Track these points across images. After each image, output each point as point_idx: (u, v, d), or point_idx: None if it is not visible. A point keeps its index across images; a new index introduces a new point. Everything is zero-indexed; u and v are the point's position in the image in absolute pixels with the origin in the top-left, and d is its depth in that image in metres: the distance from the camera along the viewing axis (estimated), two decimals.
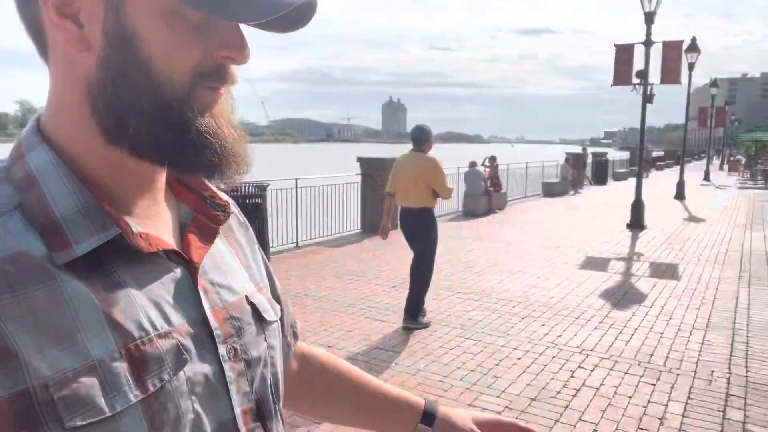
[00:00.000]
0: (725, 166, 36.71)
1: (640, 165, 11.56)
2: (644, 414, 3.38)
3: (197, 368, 0.56)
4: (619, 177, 24.18)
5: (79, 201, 0.53)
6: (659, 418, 3.32)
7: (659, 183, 21.97)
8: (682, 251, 8.55)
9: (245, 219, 0.77)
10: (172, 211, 0.64)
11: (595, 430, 3.19)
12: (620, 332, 4.86)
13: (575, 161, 19.06)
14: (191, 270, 0.60)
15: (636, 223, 10.85)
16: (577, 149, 22.64)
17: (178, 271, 0.59)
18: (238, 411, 0.59)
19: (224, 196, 0.70)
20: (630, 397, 3.60)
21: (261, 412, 0.63)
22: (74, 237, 0.52)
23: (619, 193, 17.42)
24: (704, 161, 29.37)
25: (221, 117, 0.57)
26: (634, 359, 4.25)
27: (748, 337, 4.78)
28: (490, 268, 7.29)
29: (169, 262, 0.58)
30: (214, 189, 0.68)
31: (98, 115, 0.53)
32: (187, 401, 0.54)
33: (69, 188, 0.53)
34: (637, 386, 3.77)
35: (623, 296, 6.01)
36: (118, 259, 0.54)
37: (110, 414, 0.48)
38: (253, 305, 0.66)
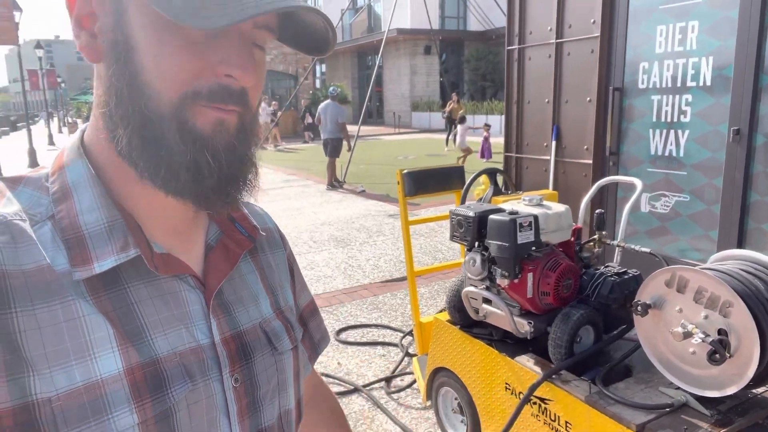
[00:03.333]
0: (65, 128, 37.09)
1: None
2: None
3: (200, 395, 0.56)
4: None
5: (106, 218, 0.54)
6: None
7: (4, 153, 20.03)
8: None
9: (282, 235, 0.77)
10: (202, 229, 0.64)
11: None
12: None
13: None
14: (207, 294, 0.60)
15: None
16: None
17: (193, 295, 0.59)
18: None
19: (254, 220, 0.69)
20: None
21: None
22: (96, 254, 0.53)
23: None
24: (41, 125, 28.64)
25: (223, 141, 0.53)
26: None
27: None
28: None
29: (186, 285, 0.59)
30: (245, 211, 0.69)
31: (104, 127, 0.54)
32: (187, 427, 0.54)
33: (99, 204, 0.54)
34: None
35: None
36: (136, 277, 0.55)
37: None
38: (267, 333, 0.65)
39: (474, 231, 2.14)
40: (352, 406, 3.08)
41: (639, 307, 1.84)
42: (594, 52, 4.12)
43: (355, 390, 3.23)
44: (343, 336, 3.99)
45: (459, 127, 12.56)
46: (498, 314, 2.25)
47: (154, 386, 0.52)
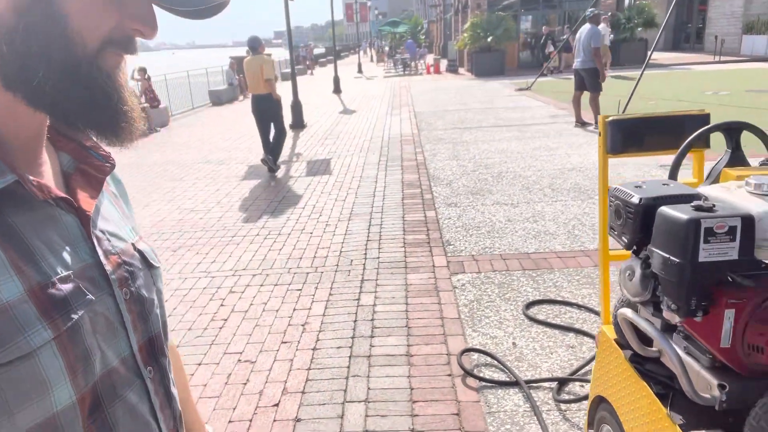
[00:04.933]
0: (375, 57, 41.13)
1: (292, 65, 11.72)
2: (288, 325, 3.39)
3: (98, 309, 0.60)
4: (285, 77, 24.66)
5: None
6: (302, 325, 3.38)
7: (322, 79, 23.23)
8: (336, 144, 9.13)
9: (116, 172, 0.78)
10: (54, 160, 0.65)
11: (239, 360, 3.06)
12: (274, 242, 4.85)
13: (240, 65, 18.55)
14: (82, 218, 0.62)
15: (297, 123, 11.17)
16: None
17: (69, 219, 0.61)
18: (135, 347, 0.65)
19: (106, 147, 0.70)
20: (277, 311, 3.58)
21: (154, 348, 0.69)
22: None
23: (282, 92, 17.75)
24: (360, 54, 32.25)
25: (122, 82, 0.60)
26: (284, 267, 4.28)
27: (382, 218, 5.30)
28: (145, 198, 6.53)
29: (61, 210, 0.60)
30: (94, 139, 0.68)
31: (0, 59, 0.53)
32: (92, 338, 0.58)
33: None
34: (284, 296, 3.79)
35: (280, 202, 6.06)
36: (12, 206, 0.56)
37: (29, 351, 0.52)
38: (140, 252, 0.70)
39: (635, 227, 1.36)
40: (504, 404, 2.56)
41: None
42: None
43: (516, 384, 2.68)
44: (534, 311, 3.38)
45: None
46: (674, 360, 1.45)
47: (59, 304, 0.55)
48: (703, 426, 1.43)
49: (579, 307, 3.39)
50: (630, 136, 2.30)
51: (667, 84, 13.82)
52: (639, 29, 20.19)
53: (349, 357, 3.00)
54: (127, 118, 0.60)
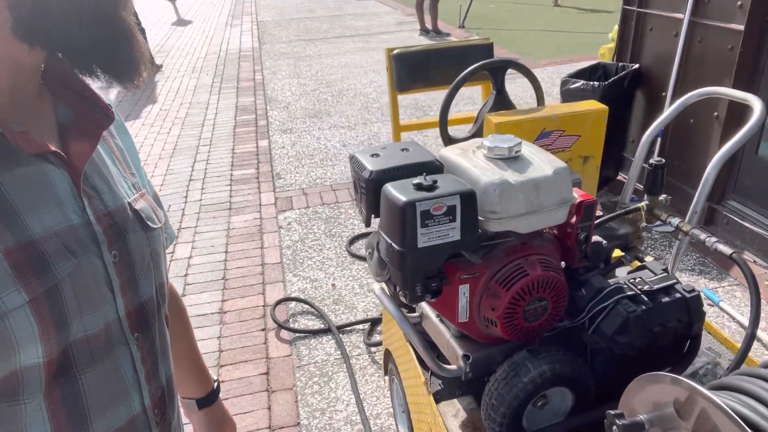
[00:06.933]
0: None
1: None
2: None
3: (83, 271, 0.57)
4: None
5: None
6: None
7: None
8: (165, 64, 8.20)
9: (124, 123, 0.75)
10: (49, 110, 0.62)
11: None
12: None
13: None
14: (73, 174, 0.59)
15: None
16: None
17: (59, 175, 0.58)
18: (122, 312, 0.63)
19: (105, 99, 0.67)
20: None
21: (145, 314, 0.66)
22: None
23: None
24: None
25: (135, 28, 0.58)
26: None
27: (209, 152, 4.88)
28: None
29: (50, 165, 0.57)
30: (95, 90, 0.66)
31: (17, 7, 0.50)
32: (73, 301, 0.56)
33: None
34: None
35: None
36: None
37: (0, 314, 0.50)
38: (136, 212, 0.67)
39: (369, 204, 1.22)
40: (315, 354, 2.50)
41: (616, 428, 0.89)
42: None
43: (329, 330, 2.63)
44: (357, 246, 3.32)
45: None
46: (432, 326, 1.40)
47: (38, 265, 0.53)
48: (454, 392, 1.42)
49: None
50: (416, 70, 2.16)
51: None
52: None
53: None
54: (143, 62, 0.60)
